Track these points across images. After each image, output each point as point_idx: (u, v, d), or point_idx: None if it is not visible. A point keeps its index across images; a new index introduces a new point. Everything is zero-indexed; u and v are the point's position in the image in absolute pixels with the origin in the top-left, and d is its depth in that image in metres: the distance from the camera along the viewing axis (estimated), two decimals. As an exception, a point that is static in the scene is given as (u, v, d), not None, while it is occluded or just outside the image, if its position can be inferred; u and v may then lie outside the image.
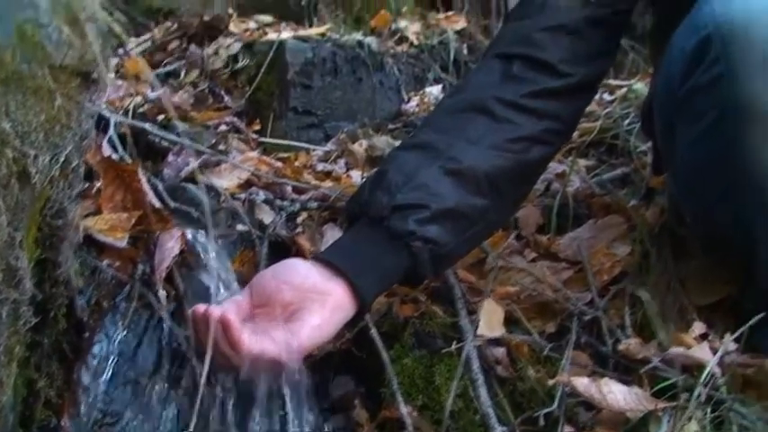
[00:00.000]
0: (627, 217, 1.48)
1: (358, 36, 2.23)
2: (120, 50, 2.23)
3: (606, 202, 1.57)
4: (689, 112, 1.12)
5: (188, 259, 1.15)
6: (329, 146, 1.89)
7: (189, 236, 1.15)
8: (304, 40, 2.08)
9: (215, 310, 1.03)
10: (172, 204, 1.27)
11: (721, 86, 1.05)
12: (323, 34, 2.14)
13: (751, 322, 1.15)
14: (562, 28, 1.22)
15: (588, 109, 2.02)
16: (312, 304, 1.07)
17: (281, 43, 2.01)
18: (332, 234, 1.44)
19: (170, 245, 1.11)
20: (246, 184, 1.53)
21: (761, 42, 1.01)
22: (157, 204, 1.19)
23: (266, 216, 1.46)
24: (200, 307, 1.03)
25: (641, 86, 2.04)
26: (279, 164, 1.68)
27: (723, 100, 1.05)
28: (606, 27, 1.25)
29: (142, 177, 1.15)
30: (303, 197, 1.53)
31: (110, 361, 1.06)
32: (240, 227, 1.39)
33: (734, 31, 1.02)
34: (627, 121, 1.91)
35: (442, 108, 1.26)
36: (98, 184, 1.19)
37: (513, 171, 1.19)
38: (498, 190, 1.18)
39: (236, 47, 2.12)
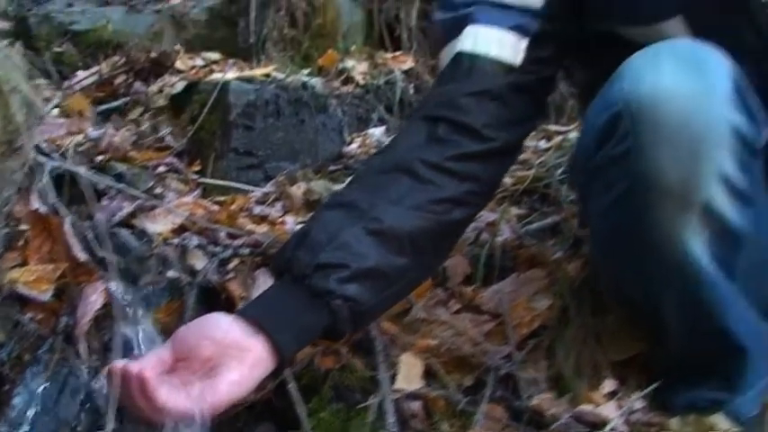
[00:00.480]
0: (550, 270, 1.53)
1: (303, 76, 2.27)
2: (66, 84, 2.26)
3: (531, 254, 1.61)
4: (600, 182, 1.17)
5: (111, 312, 1.17)
6: (268, 187, 1.92)
7: (112, 288, 1.18)
8: (248, 80, 2.11)
9: (133, 366, 1.05)
10: (100, 254, 1.29)
11: (630, 161, 1.10)
12: (267, 75, 2.18)
13: (656, 384, 1.20)
14: (487, 93, 1.25)
15: (523, 157, 2.10)
16: (231, 360, 1.10)
17: (225, 84, 2.04)
18: (264, 280, 1.47)
19: (93, 298, 1.14)
20: (180, 229, 1.55)
21: (667, 120, 1.06)
22: (83, 257, 1.21)
23: (198, 262, 1.48)
24: (118, 363, 1.06)
25: (576, 136, 2.10)
26: (215, 207, 1.71)
27: (631, 174, 1.10)
28: (530, 93, 1.29)
29: (68, 230, 1.18)
30: (236, 242, 1.56)
31: (30, 413, 1.08)
32: (171, 273, 1.41)
33: (642, 109, 1.08)
34: (560, 171, 1.96)
35: (368, 167, 1.30)
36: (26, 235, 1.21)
37: (434, 231, 1.23)
38: (419, 250, 1.22)
39: (181, 85, 2.14)
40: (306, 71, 2.52)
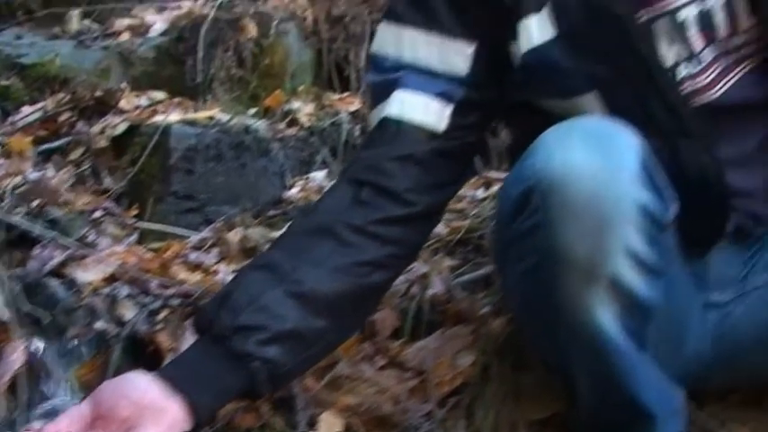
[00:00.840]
0: (477, 325, 1.56)
1: (247, 119, 2.30)
2: (9, 120, 2.26)
3: (459, 309, 1.64)
4: (513, 253, 1.20)
5: (32, 370, 1.18)
6: (205, 233, 1.94)
7: (33, 347, 1.19)
8: (191, 123, 2.13)
9: (50, 428, 1.07)
10: (25, 308, 1.31)
11: (539, 235, 1.13)
12: (211, 117, 2.20)
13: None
14: (411, 158, 1.28)
15: (460, 206, 2.14)
16: (148, 421, 1.12)
17: (167, 127, 2.07)
18: (192, 332, 1.49)
19: (13, 357, 1.15)
20: (111, 278, 1.57)
21: (575, 197, 1.10)
22: (5, 315, 1.22)
23: (128, 312, 1.50)
24: (34, 426, 1.07)
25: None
26: (149, 254, 1.72)
27: (541, 248, 1.14)
28: (454, 158, 1.32)
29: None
30: (167, 292, 1.57)
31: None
32: (98, 325, 1.42)
33: (552, 186, 1.11)
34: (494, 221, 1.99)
35: (292, 228, 1.33)
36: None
37: (355, 294, 1.26)
38: (339, 312, 1.25)
39: (123, 127, 2.16)
40: (253, 110, 2.56)
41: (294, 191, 2.22)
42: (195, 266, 1.75)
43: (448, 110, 1.28)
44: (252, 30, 2.73)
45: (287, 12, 3.00)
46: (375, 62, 1.35)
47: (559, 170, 1.11)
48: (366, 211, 1.27)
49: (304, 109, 2.58)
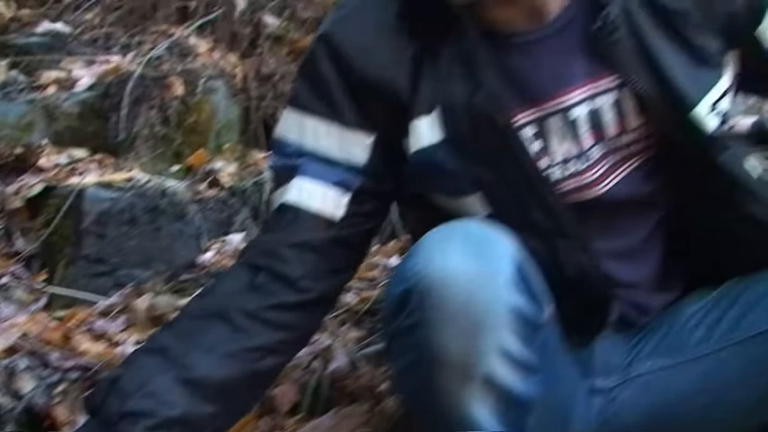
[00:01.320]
0: (373, 403, 1.59)
1: (165, 180, 2.31)
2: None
3: (359, 385, 1.67)
4: (395, 347, 1.24)
5: None
6: (114, 298, 1.95)
7: None
8: (107, 185, 2.14)
9: None
10: None
11: (417, 334, 1.17)
12: (128, 179, 2.21)
13: None
14: (307, 245, 1.31)
15: (371, 275, 2.17)
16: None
17: (82, 190, 2.07)
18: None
19: None
20: (11, 350, 1.57)
21: (451, 300, 1.15)
22: None
23: (26, 385, 1.50)
24: None
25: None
26: (53, 323, 1.73)
27: (419, 346, 1.18)
28: (350, 245, 1.36)
29: None
30: (67, 364, 1.58)
31: None
32: (-6, 399, 1.43)
33: (430, 289, 1.16)
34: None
35: (186, 311, 1.35)
36: None
37: (246, 379, 1.28)
38: (229, 397, 1.27)
39: (38, 188, 2.16)
40: (176, 167, 2.57)
41: (209, 254, 2.23)
42: (99, 336, 1.76)
43: (345, 198, 1.32)
44: (178, 88, 2.75)
45: (216, 69, 3.03)
46: (278, 146, 1.38)
47: (437, 274, 1.15)
48: (260, 297, 1.29)
49: (226, 168, 2.60)
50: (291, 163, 1.34)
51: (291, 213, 1.32)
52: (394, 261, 2.24)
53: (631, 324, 1.42)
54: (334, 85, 1.31)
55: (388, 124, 1.31)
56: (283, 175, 1.35)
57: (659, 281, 1.42)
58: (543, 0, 1.29)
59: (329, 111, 1.32)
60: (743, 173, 1.36)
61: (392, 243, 2.36)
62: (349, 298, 1.99)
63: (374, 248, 2.43)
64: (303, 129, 1.34)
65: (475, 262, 1.16)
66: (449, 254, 1.16)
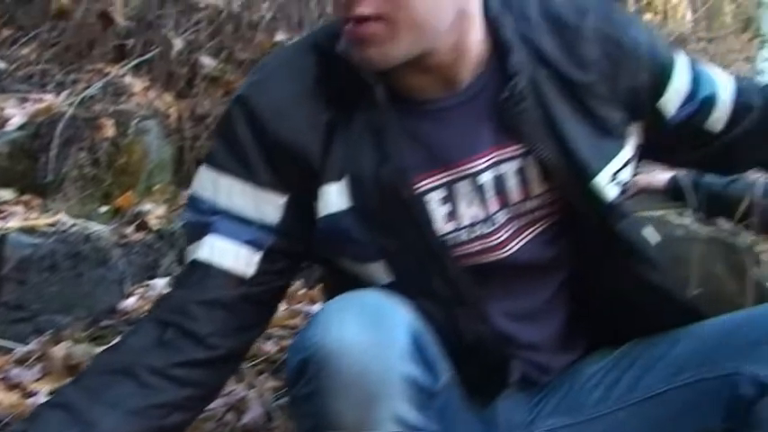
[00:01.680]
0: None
1: (91, 224, 2.31)
2: None
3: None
4: (296, 411, 1.27)
5: None
6: (32, 345, 1.94)
7: None
8: (29, 231, 2.14)
9: None
10: None
11: (314, 402, 1.20)
12: (51, 224, 2.21)
13: None
14: (217, 303, 1.33)
15: (292, 323, 2.19)
16: None
17: (3, 236, 2.07)
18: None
19: None
20: None
21: (346, 371, 1.18)
22: None
23: (-67, 437, 1.49)
24: None
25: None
26: (-35, 373, 1.72)
27: (315, 414, 1.20)
28: (260, 303, 1.38)
29: None
30: (-24, 415, 1.57)
31: None
32: None
33: (326, 359, 1.19)
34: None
35: (93, 367, 1.35)
36: None
37: (151, 436, 1.29)
38: (132, 455, 1.28)
39: (-41, 233, 2.15)
40: (104, 209, 2.57)
41: (132, 300, 2.24)
42: (14, 386, 1.75)
43: (257, 256, 1.34)
44: (109, 129, 2.76)
45: (150, 109, 3.04)
46: (193, 203, 1.39)
47: (333, 344, 1.19)
48: (168, 353, 1.30)
49: (155, 210, 2.61)
50: (205, 220, 1.36)
51: (202, 270, 1.34)
52: (317, 308, 2.25)
53: (533, 383, 1.45)
54: (250, 146, 1.33)
55: (300, 186, 1.33)
56: (196, 232, 1.37)
57: (561, 341, 1.46)
58: (457, 69, 1.33)
59: (244, 171, 1.34)
60: (640, 240, 1.41)
61: (319, 287, 2.37)
62: (269, 347, 2.01)
63: (301, 292, 2.47)
64: (218, 187, 1.36)
65: (370, 333, 1.19)
66: (345, 325, 1.20)
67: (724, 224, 2.00)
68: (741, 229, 2.00)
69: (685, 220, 2.05)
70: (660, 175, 2.03)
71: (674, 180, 2.05)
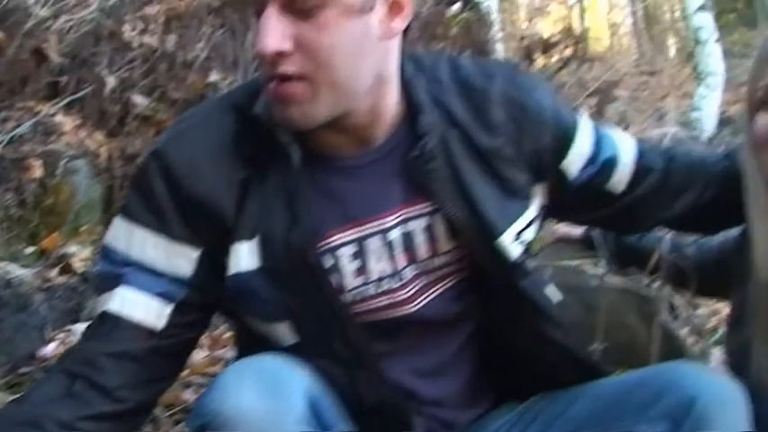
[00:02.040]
0: None
1: (13, 267, 2.29)
2: None
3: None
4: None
5: None
6: (-57, 394, 1.92)
7: None
8: (-52, 275, 2.13)
9: None
10: None
11: None
12: (-28, 269, 2.20)
13: None
14: (126, 355, 1.33)
15: (211, 370, 2.19)
16: None
17: None
18: None
19: None
20: None
21: None
22: None
23: None
24: None
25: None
26: None
27: None
28: (170, 355, 1.38)
29: None
30: None
31: None
32: None
33: (224, 426, 1.20)
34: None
35: (0, 419, 1.34)
36: None
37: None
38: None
39: None
40: (30, 250, 2.54)
41: (52, 346, 2.22)
42: None
43: (168, 309, 1.35)
44: (37, 170, 2.74)
45: (80, 148, 3.03)
46: (106, 253, 1.39)
47: (230, 412, 1.20)
48: (76, 406, 1.30)
49: (80, 253, 2.59)
50: (117, 271, 1.36)
51: (112, 322, 1.35)
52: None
53: (438, 439, 1.47)
54: (164, 200, 1.34)
55: (213, 242, 1.34)
56: (108, 283, 1.37)
57: (468, 396, 1.49)
58: (372, 129, 1.36)
59: (158, 224, 1.35)
60: (543, 298, 1.45)
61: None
62: (187, 395, 2.01)
63: (226, 336, 2.46)
64: (131, 239, 1.36)
65: (267, 400, 1.21)
66: (242, 392, 1.21)
67: (637, 274, 2.06)
68: (652, 280, 2.06)
69: (600, 270, 2.10)
70: (575, 230, 2.08)
71: (589, 231, 2.10)
